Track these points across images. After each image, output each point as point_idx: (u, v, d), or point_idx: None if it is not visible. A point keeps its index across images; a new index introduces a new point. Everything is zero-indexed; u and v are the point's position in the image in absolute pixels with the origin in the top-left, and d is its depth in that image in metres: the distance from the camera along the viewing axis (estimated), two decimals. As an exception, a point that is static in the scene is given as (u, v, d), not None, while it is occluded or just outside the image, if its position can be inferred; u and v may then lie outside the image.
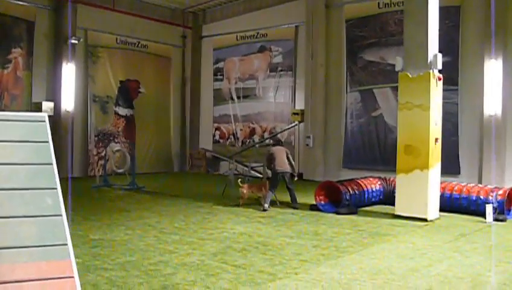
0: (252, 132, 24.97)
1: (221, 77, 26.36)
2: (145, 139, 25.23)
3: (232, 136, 25.76)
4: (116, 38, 24.21)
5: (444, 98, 13.39)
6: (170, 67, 26.90)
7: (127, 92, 24.71)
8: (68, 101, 21.92)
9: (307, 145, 22.11)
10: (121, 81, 24.44)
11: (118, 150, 21.24)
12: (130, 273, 7.30)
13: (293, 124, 22.78)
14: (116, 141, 23.80)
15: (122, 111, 24.50)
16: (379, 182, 14.99)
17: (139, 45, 25.17)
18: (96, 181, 19.05)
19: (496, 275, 7.42)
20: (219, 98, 26.36)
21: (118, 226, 11.04)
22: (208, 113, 26.87)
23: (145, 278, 7.10)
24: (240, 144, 25.32)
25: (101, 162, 21.82)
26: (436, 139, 12.53)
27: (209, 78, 26.83)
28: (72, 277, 4.43)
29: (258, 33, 24.90)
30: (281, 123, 23.90)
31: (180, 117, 27.34)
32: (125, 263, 7.90)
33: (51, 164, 4.85)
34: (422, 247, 9.44)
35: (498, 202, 12.55)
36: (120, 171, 19.75)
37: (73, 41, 21.70)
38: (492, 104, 17.68)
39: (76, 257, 4.70)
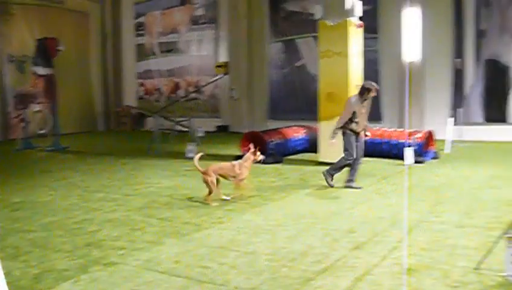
0: (177, 86, 24.71)
1: (142, 31, 25.81)
2: (67, 99, 24.44)
3: (156, 92, 25.42)
4: (30, -6, 23.19)
5: (364, 45, 13.60)
6: (89, 23, 26.02)
7: (45, 51, 23.63)
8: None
9: (232, 97, 22.07)
10: (38, 40, 23.45)
11: (38, 111, 20.59)
12: (53, 233, 7.18)
13: (219, 77, 22.66)
14: (36, 101, 22.97)
15: (42, 70, 23.53)
16: (303, 131, 15.19)
17: (55, 0, 24.16)
18: (18, 144, 18.48)
19: (412, 213, 7.71)
20: (142, 53, 25.89)
21: (41, 187, 10.76)
22: (131, 69, 26.36)
23: (69, 237, 7.00)
24: (165, 99, 25.02)
25: (22, 124, 21.07)
26: (357, 86, 12.72)
27: (130, 34, 26.24)
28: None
29: (178, -15, 24.45)
30: (206, 76, 23.70)
31: (102, 74, 26.60)
32: (48, 223, 7.75)
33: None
34: (345, 190, 9.70)
35: (417, 144, 12.98)
36: (42, 132, 19.23)
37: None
38: (411, 51, 18.07)
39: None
